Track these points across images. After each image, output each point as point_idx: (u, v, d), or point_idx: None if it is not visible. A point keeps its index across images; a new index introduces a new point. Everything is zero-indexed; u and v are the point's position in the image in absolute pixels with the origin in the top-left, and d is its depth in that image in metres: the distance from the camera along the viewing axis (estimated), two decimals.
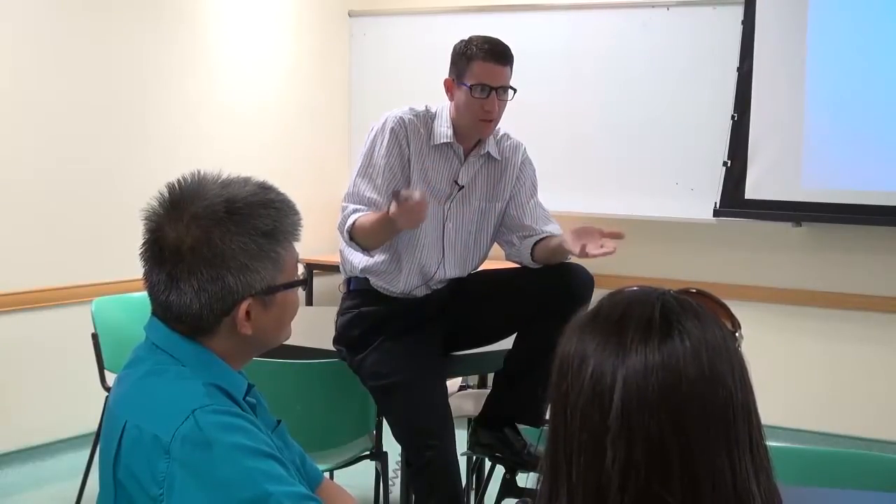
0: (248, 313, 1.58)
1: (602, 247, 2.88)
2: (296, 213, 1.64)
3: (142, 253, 1.61)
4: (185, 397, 1.52)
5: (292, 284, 1.64)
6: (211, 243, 1.55)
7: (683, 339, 1.03)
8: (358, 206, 3.04)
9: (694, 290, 1.15)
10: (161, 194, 1.61)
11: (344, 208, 3.09)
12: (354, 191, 3.09)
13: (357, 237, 3.03)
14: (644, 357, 1.02)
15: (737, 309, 1.21)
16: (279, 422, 1.78)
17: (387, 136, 3.06)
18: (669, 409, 1.01)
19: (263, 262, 1.58)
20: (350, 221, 3.02)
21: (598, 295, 3.54)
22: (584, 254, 2.88)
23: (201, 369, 1.58)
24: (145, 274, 1.61)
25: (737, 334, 1.12)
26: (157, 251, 1.58)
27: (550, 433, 1.08)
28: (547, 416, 1.10)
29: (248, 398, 1.65)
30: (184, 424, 1.47)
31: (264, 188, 1.62)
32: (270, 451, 1.52)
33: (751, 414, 1.04)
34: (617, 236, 2.93)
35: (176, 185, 1.60)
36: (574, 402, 1.05)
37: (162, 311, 1.60)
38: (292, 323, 1.72)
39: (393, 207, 2.81)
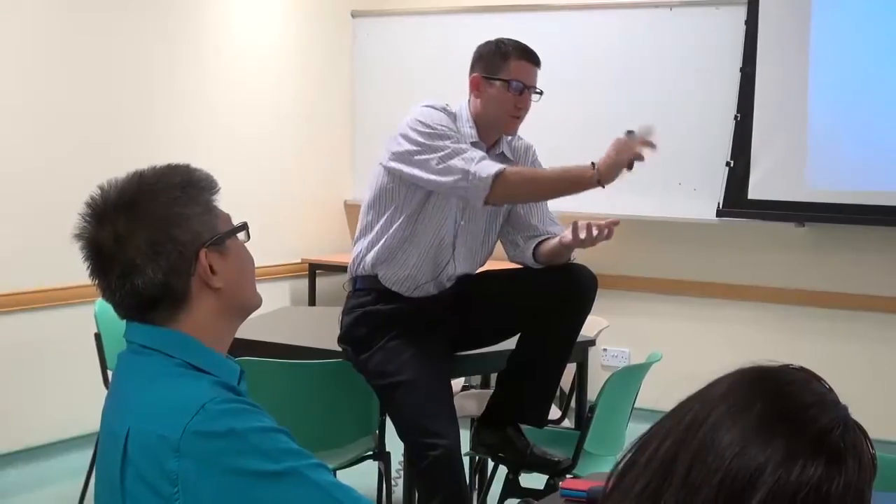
0: (210, 267, 1.62)
1: (596, 235, 2.94)
2: (202, 170, 1.72)
3: (90, 271, 1.66)
4: (191, 395, 1.53)
5: (237, 229, 1.70)
6: (142, 215, 1.61)
7: (842, 473, 0.98)
8: (477, 153, 2.94)
9: (796, 368, 1.06)
10: (83, 209, 1.67)
11: (448, 154, 2.92)
12: (438, 143, 2.96)
13: (513, 186, 2.95)
14: (803, 467, 0.96)
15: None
16: None
17: (442, 111, 3.05)
18: None
19: (197, 209, 1.64)
20: (496, 169, 2.91)
21: (600, 295, 3.50)
22: (578, 241, 2.96)
23: (191, 355, 1.60)
24: (102, 287, 1.65)
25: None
26: (102, 258, 1.63)
27: (662, 464, 0.99)
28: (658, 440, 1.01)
29: (240, 385, 1.66)
30: (194, 419, 1.48)
31: (168, 165, 1.72)
32: (284, 429, 1.54)
33: None
34: (612, 225, 2.99)
35: (91, 197, 1.67)
36: (702, 467, 0.97)
37: (134, 306, 1.63)
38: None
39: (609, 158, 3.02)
